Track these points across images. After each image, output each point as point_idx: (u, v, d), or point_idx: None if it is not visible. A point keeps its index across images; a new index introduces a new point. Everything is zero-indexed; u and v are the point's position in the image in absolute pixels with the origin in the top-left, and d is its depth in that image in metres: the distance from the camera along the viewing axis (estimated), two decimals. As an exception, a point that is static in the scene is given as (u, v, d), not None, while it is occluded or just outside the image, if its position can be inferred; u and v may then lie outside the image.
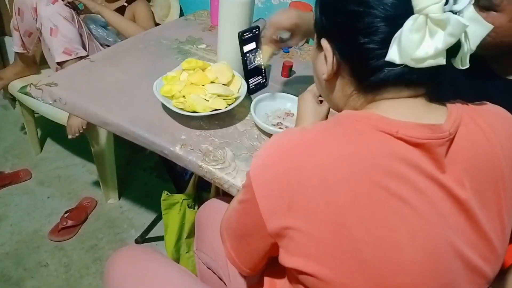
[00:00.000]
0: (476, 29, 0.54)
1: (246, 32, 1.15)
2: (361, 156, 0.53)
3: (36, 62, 1.84)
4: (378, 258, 0.52)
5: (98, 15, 1.67)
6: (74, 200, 1.86)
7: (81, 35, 1.58)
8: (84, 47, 1.59)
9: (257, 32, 1.18)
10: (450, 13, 0.51)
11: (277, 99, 1.15)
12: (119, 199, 1.90)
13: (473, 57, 0.57)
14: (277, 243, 0.58)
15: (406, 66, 0.54)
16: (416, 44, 0.52)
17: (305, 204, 0.53)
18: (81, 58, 1.51)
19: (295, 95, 1.13)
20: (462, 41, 0.55)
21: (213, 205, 1.09)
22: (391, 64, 0.54)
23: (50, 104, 1.13)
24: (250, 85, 1.21)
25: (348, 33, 0.58)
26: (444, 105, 0.61)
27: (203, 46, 1.46)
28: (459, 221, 0.55)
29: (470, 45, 0.55)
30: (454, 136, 0.56)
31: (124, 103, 1.11)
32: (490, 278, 0.60)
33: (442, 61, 0.53)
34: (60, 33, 1.49)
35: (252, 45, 1.19)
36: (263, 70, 1.25)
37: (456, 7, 0.53)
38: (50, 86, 1.13)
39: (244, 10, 1.13)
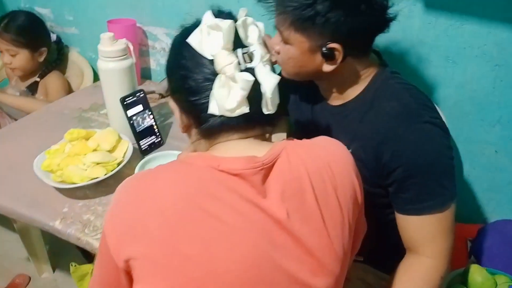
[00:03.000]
0: (269, 79, 0.65)
1: (128, 97, 1.17)
2: (188, 184, 0.61)
3: None
4: (200, 270, 0.58)
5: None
6: (5, 279, 1.78)
7: (-12, 113, 1.59)
8: (-7, 125, 1.59)
9: (141, 95, 1.20)
10: (238, 72, 0.62)
11: (169, 157, 1.15)
12: (53, 272, 1.84)
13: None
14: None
15: (223, 115, 0.64)
16: (225, 97, 0.63)
17: (144, 231, 0.59)
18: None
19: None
20: (262, 90, 0.65)
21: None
22: (215, 115, 0.65)
23: None
24: (143, 146, 1.22)
25: (182, 93, 0.69)
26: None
27: (105, 111, 1.46)
28: (282, 239, 0.62)
29: (268, 93, 0.65)
30: (272, 166, 0.64)
31: (8, 181, 1.10)
32: None
33: (246, 109, 0.64)
34: (-37, 114, 1.50)
35: (139, 108, 1.21)
36: (157, 129, 1.26)
37: (251, 65, 0.65)
38: None
39: (122, 76, 1.16)
